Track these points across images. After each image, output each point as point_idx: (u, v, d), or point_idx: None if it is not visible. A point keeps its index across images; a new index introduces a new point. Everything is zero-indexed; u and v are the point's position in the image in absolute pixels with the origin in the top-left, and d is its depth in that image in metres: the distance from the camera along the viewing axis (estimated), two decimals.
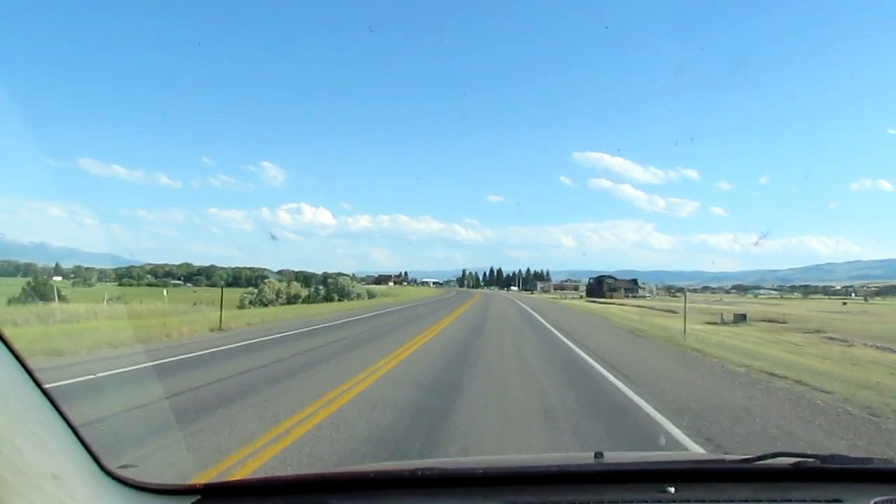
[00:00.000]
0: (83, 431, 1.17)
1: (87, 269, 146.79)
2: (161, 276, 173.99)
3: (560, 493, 1.53)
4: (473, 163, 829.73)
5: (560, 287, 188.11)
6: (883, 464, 1.76)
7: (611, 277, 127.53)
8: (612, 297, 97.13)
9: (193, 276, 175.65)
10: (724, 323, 36.18)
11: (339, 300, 68.91)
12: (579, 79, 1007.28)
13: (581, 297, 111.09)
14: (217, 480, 2.70)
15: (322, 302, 64.53)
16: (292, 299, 69.00)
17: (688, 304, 22.26)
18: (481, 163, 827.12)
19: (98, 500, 1.16)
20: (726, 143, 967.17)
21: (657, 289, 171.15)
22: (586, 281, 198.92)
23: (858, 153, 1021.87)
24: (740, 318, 37.17)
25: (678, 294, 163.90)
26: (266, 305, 64.01)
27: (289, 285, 76.07)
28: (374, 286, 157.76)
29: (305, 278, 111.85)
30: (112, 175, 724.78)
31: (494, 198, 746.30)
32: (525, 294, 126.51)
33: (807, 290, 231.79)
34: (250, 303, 67.50)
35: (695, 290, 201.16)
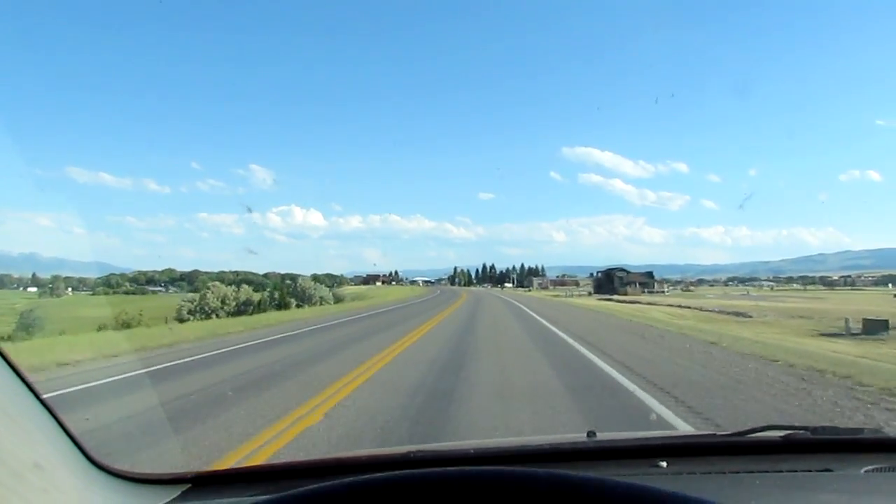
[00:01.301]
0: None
1: (65, 278, 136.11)
2: (143, 282, 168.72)
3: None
4: (463, 161, 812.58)
5: (560, 283, 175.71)
6: (873, 433, 1.76)
7: (622, 270, 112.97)
8: (625, 294, 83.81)
9: (176, 281, 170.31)
10: (850, 334, 21.90)
11: (299, 306, 57.00)
12: (566, 75, 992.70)
13: (589, 293, 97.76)
14: (207, 469, 2.68)
15: (275, 309, 52.22)
16: (243, 306, 57.21)
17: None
18: (471, 161, 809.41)
19: (85, 490, 1.12)
20: (715, 135, 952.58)
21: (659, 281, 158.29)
22: (582, 276, 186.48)
23: (847, 144, 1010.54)
24: (879, 327, 21.62)
25: (692, 288, 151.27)
26: (209, 315, 52.53)
27: (238, 290, 62.99)
28: (360, 287, 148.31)
29: (292, 280, 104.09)
30: (100, 183, 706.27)
31: (485, 195, 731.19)
32: (521, 292, 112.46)
33: (804, 281, 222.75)
34: (189, 312, 55.67)
35: (691, 283, 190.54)
